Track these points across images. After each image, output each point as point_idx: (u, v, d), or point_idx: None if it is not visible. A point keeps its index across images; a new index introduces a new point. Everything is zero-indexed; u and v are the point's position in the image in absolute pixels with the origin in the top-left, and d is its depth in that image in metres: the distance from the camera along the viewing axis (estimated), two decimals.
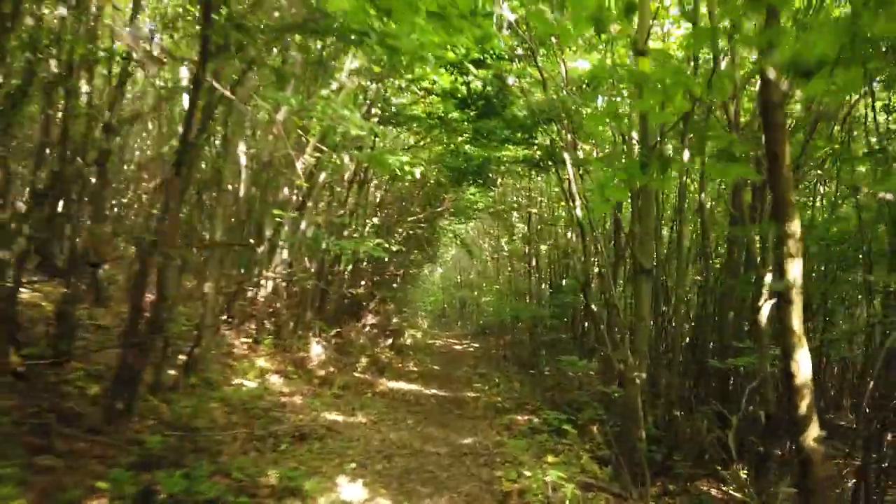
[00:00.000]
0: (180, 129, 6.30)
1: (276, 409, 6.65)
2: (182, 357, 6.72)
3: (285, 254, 9.46)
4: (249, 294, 9.39)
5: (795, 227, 2.31)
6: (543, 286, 14.85)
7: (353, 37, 3.45)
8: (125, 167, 8.15)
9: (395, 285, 19.18)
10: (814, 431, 2.25)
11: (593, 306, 7.62)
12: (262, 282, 9.20)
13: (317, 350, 9.71)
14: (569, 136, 8.12)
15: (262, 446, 5.49)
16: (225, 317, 8.69)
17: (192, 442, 5.05)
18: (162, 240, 4.54)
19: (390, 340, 14.51)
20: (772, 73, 1.76)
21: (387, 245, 7.58)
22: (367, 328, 14.03)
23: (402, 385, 10.47)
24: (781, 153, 2.26)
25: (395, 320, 15.62)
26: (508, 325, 19.90)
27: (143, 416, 5.32)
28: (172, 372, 6.55)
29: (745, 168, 1.62)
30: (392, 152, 6.74)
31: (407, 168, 7.06)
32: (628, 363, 5.01)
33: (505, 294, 19.72)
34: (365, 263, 16.03)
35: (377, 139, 11.15)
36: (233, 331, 8.61)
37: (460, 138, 12.91)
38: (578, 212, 7.47)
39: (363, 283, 16.48)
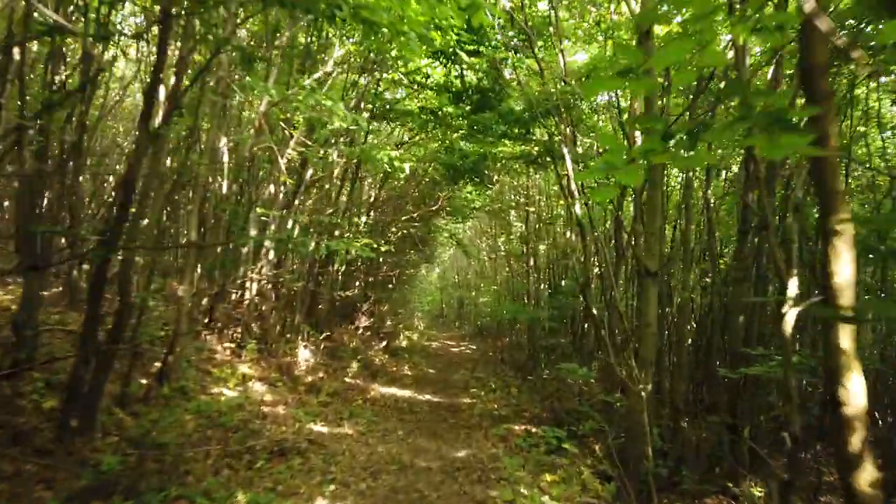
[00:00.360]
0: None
1: (256, 420, 6.23)
2: (157, 365, 6.32)
3: (272, 254, 9.03)
4: (234, 297, 8.96)
5: (845, 220, 1.90)
6: (542, 287, 14.42)
7: (322, 6, 3.02)
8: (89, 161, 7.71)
9: (390, 286, 18.78)
10: (868, 473, 1.83)
11: (594, 309, 7.19)
12: (247, 284, 8.77)
13: (305, 355, 9.29)
14: (568, 129, 7.69)
15: (236, 464, 5.06)
16: (207, 321, 8.26)
17: (157, 461, 4.63)
18: (119, 239, 4.10)
19: (384, 343, 14.10)
20: (823, 22, 1.33)
21: (375, 245, 7.14)
22: (360, 331, 13.62)
23: (394, 391, 10.05)
24: (827, 130, 1.85)
25: (388, 322, 15.18)
26: (506, 326, 19.50)
27: (106, 431, 4.90)
28: (145, 381, 6.14)
29: (801, 138, 1.17)
30: (382, 147, 6.31)
31: (397, 163, 6.64)
32: (633, 375, 4.59)
33: (502, 295, 19.30)
34: (359, 264, 15.66)
35: (369, 135, 10.73)
36: (214, 336, 8.18)
37: (455, 135, 12.52)
38: (578, 210, 7.04)
39: (357, 284, 16.10)
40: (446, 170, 13.39)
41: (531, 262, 13.72)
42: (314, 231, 9.19)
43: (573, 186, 7.22)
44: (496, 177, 15.32)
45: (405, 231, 15.05)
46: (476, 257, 26.21)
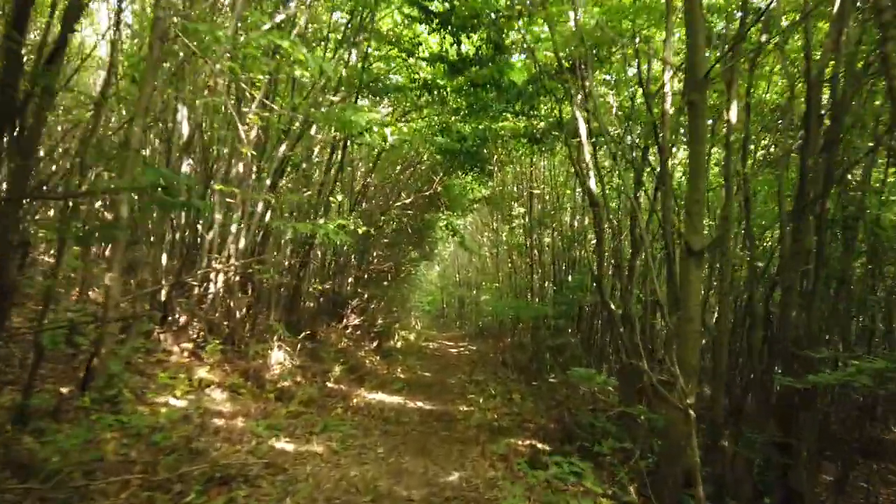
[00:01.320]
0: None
1: (202, 438, 5.11)
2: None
3: (242, 242, 7.91)
4: (198, 290, 7.85)
5: None
6: (547, 283, 13.28)
7: None
8: None
9: (385, 283, 17.66)
10: None
11: (611, 304, 6.07)
12: (212, 275, 7.65)
13: (278, 357, 8.16)
14: (581, 92, 6.56)
15: (160, 497, 3.94)
16: (163, 317, 7.15)
17: (44, 500, 3.51)
18: None
19: (376, 343, 12.97)
20: None
21: (353, 226, 6.01)
22: (350, 330, 12.50)
23: (382, 397, 8.93)
24: None
25: (380, 321, 14.05)
26: (508, 326, 18.36)
27: None
28: (66, 390, 5.03)
29: None
30: (359, 110, 5.21)
31: (377, 129, 5.53)
32: (679, 385, 3.46)
33: (504, 292, 18.17)
34: (352, 258, 14.54)
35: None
36: (170, 334, 7.06)
37: (453, 118, 11.40)
38: (592, 185, 5.92)
39: (350, 280, 14.98)
40: (443, 155, 12.30)
41: (535, 256, 12.56)
42: (288, 214, 8.07)
43: (587, 155, 6.10)
44: (497, 168, 14.21)
45: (400, 221, 13.94)
46: (476, 252, 25.12)
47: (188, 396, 5.96)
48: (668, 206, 5.40)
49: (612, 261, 6.45)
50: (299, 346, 9.29)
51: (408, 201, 12.71)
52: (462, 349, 16.94)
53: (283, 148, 7.69)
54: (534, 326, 11.42)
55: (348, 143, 11.12)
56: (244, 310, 8.37)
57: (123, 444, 4.47)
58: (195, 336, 7.45)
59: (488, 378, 11.14)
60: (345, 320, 12.34)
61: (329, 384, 8.81)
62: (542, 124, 8.80)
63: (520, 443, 6.55)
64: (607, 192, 7.82)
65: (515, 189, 14.77)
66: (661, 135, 5.53)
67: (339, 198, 12.14)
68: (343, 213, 9.94)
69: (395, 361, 12.75)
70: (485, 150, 12.62)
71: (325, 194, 8.98)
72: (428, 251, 20.81)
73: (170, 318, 7.20)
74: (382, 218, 13.07)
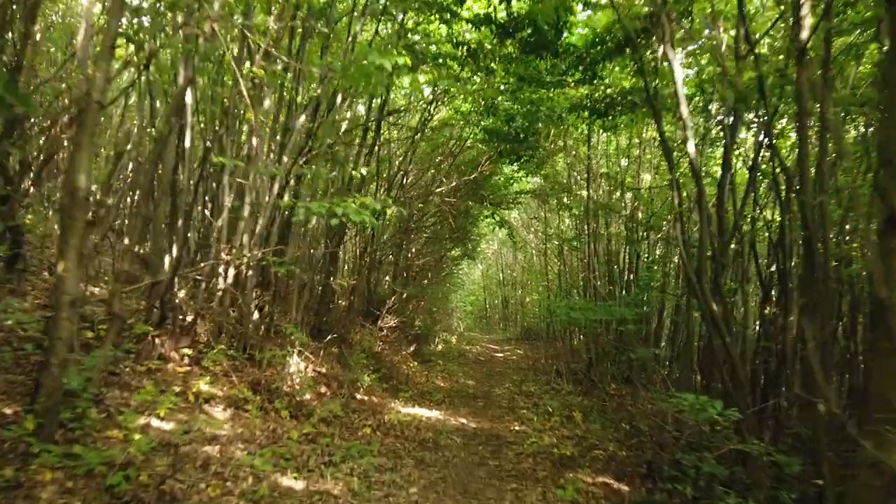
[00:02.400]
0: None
1: (183, 475, 3.94)
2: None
3: (256, 230, 6.77)
4: (206, 286, 6.77)
5: None
6: (607, 281, 11.80)
7: None
8: None
9: (425, 281, 16.46)
10: None
11: (713, 305, 4.65)
12: (220, 269, 6.54)
13: (298, 364, 6.99)
14: (670, 42, 5.15)
15: None
16: (160, 316, 6.06)
17: None
18: None
19: (413, 347, 11.75)
20: None
21: (377, 206, 4.76)
22: (385, 332, 11.31)
23: (419, 411, 7.68)
24: None
25: (418, 323, 12.82)
26: (558, 329, 16.88)
27: None
28: (8, 411, 3.94)
29: None
30: (385, 54, 3.98)
31: (406, 74, 4.29)
32: (884, 436, 2.08)
33: (554, 292, 16.72)
34: (389, 254, 13.38)
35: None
36: (169, 338, 5.96)
37: (500, 96, 10.07)
38: (691, 148, 4.51)
39: (387, 277, 13.83)
40: (488, 139, 10.99)
41: (592, 249, 11.08)
42: (310, 196, 6.92)
43: (683, 111, 4.71)
44: (549, 152, 12.78)
45: (440, 211, 12.67)
46: (522, 249, 23.68)
47: (178, 416, 4.82)
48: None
49: (710, 250, 5.02)
50: (324, 350, 8.14)
51: (450, 186, 11.42)
52: (507, 353, 15.57)
53: (302, 119, 6.51)
54: (597, 333, 9.96)
55: (381, 126, 9.96)
56: (259, 309, 7.25)
57: (65, 489, 3.33)
58: (200, 340, 6.36)
59: (541, 390, 9.76)
60: (380, 322, 11.16)
61: (358, 396, 7.62)
62: (609, 90, 7.38)
63: (589, 480, 5.19)
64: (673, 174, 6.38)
65: (569, 177, 13.30)
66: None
67: (373, 187, 11.01)
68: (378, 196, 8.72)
69: (435, 367, 11.50)
70: (535, 133, 11.28)
71: (357, 177, 7.78)
72: (470, 249, 19.50)
73: (169, 319, 6.10)
74: (421, 206, 11.83)
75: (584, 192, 11.13)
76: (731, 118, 6.60)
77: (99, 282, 7.61)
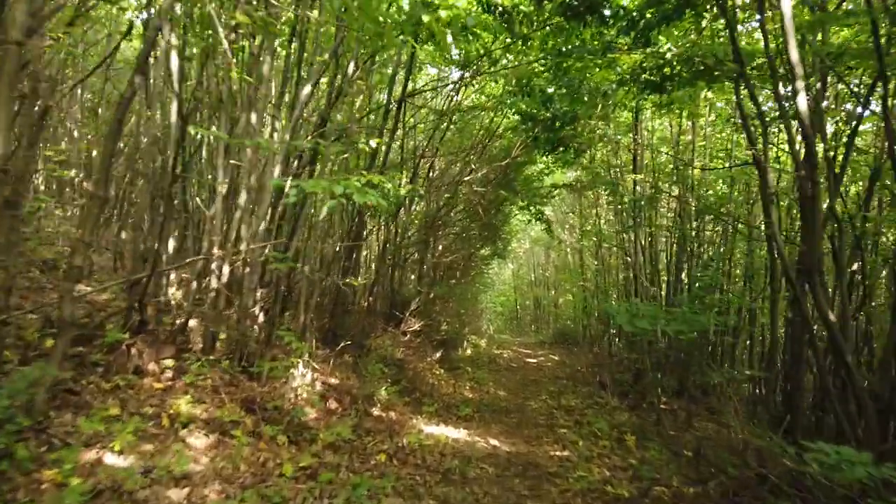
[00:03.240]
0: None
1: None
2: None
3: (255, 221, 5.84)
4: (196, 286, 5.86)
5: None
6: (654, 280, 10.61)
7: None
8: None
9: (452, 281, 15.45)
10: None
11: (830, 316, 3.51)
12: (214, 266, 5.62)
13: (304, 376, 6.04)
14: None
15: None
16: (139, 321, 5.16)
17: None
18: None
19: (440, 353, 10.74)
20: None
21: (387, 184, 3.74)
22: (408, 337, 10.33)
23: (443, 430, 6.66)
24: None
25: (445, 326, 11.81)
26: (596, 333, 15.68)
27: None
28: None
29: None
30: None
31: (427, 18, 3.28)
32: None
33: (591, 293, 15.53)
34: (413, 252, 12.41)
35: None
36: (149, 346, 5.06)
37: (536, 74, 9.00)
38: (802, 104, 3.40)
39: (413, 276, 12.87)
40: (522, 125, 9.90)
41: (642, 244, 9.89)
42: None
43: (793, 54, 3.59)
44: (592, 139, 11.62)
45: (469, 203, 11.65)
46: (556, 248, 22.52)
47: (143, 447, 3.89)
48: None
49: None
50: (337, 359, 7.19)
51: (480, 174, 10.38)
52: (541, 359, 14.44)
53: (307, 89, 5.54)
54: (648, 341, 8.79)
55: (404, 108, 8.97)
56: (264, 312, 6.33)
57: None
58: (188, 349, 5.45)
59: (582, 403, 8.64)
60: (403, 325, 10.18)
61: (374, 412, 6.64)
62: (668, 55, 6.24)
63: None
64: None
65: (609, 169, 12.11)
66: None
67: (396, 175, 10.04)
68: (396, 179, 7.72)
69: (463, 376, 10.47)
70: (575, 118, 10.14)
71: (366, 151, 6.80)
72: (501, 248, 18.42)
73: (150, 325, 5.20)
74: (448, 198, 10.81)
75: (630, 184, 9.95)
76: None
77: (91, 280, 6.80)
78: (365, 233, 9.66)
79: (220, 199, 5.63)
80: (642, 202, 8.84)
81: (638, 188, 9.78)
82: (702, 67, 6.04)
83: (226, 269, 5.70)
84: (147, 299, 5.15)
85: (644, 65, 6.58)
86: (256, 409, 5.09)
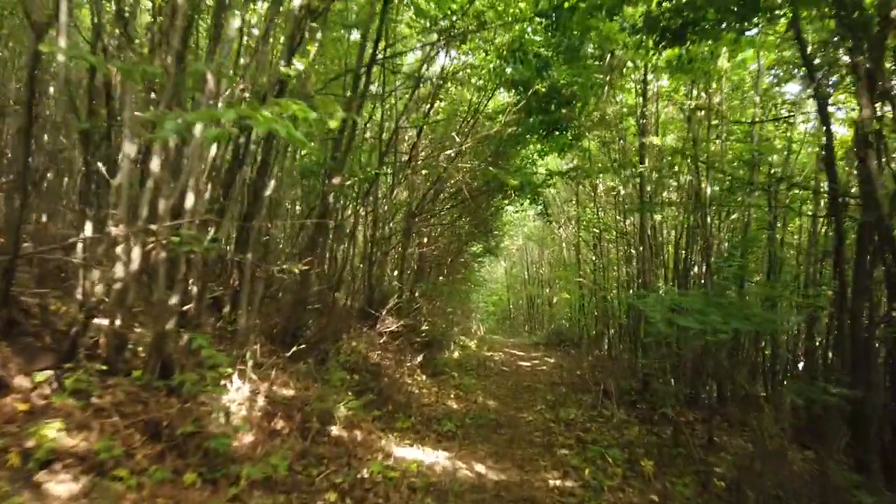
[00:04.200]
0: None
1: None
2: None
3: (183, 190, 4.61)
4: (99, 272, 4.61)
5: None
6: (660, 271, 9.46)
7: None
8: None
9: (441, 278, 14.25)
10: None
11: None
12: (120, 249, 4.37)
13: (240, 389, 4.81)
14: None
15: None
16: (7, 321, 3.91)
17: None
18: None
19: (421, 357, 9.50)
20: None
21: (311, 115, 2.52)
22: (384, 338, 9.09)
23: (419, 453, 5.45)
24: None
25: (425, 326, 10.60)
26: (594, 333, 14.52)
27: None
28: None
29: None
30: None
31: None
32: None
33: (590, 290, 14.37)
34: (393, 240, 11.19)
35: None
36: (18, 355, 3.82)
37: (534, 31, 7.87)
38: None
39: (394, 272, 11.65)
40: (515, 88, 8.72)
41: (648, 232, 8.69)
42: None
43: None
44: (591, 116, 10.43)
45: (455, 189, 10.49)
46: (549, 244, 21.44)
47: None
48: None
49: None
50: (290, 366, 5.97)
51: (465, 146, 9.18)
52: (536, 363, 13.24)
53: (237, 21, 4.31)
54: (658, 343, 7.62)
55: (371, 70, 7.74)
56: (187, 309, 5.08)
57: None
58: (80, 356, 4.20)
59: (584, 416, 7.45)
60: (378, 325, 8.95)
61: (332, 431, 5.40)
62: None
63: None
64: None
65: (609, 153, 10.95)
66: None
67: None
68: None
69: (448, 382, 9.26)
70: (574, 97, 8.98)
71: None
72: (493, 245, 17.25)
73: (20, 324, 3.96)
74: (431, 182, 9.61)
75: (635, 158, 8.75)
76: None
77: None
78: (335, 221, 8.44)
79: (128, 163, 4.38)
80: (662, 170, 7.62)
81: (646, 163, 8.55)
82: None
83: (136, 255, 4.45)
84: (16, 290, 3.91)
85: (663, 3, 5.37)
86: (162, 436, 3.85)
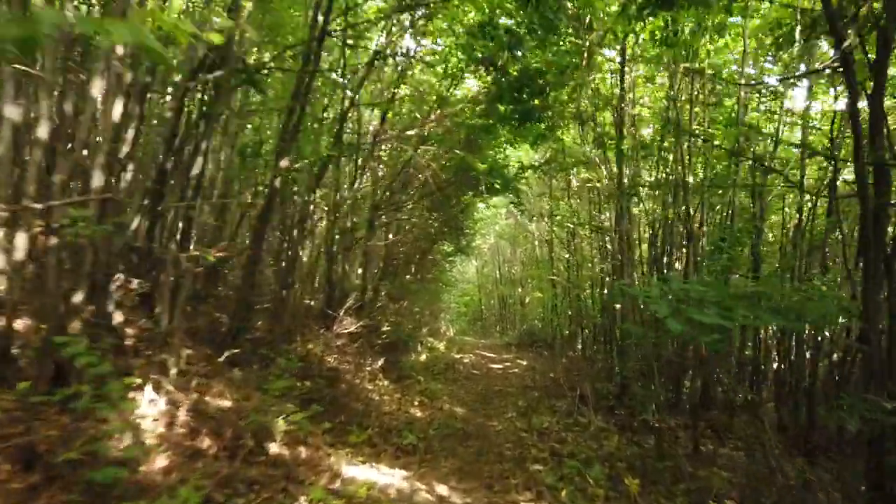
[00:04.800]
0: None
1: None
2: None
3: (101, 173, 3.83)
4: None
5: None
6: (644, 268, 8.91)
7: None
8: None
9: (408, 276, 13.56)
10: None
11: None
12: None
13: (155, 404, 4.04)
14: None
15: None
16: None
17: None
18: None
19: (383, 360, 8.77)
20: None
21: (188, 29, 1.84)
22: (343, 341, 8.35)
23: (373, 473, 4.75)
24: None
25: (386, 327, 9.89)
26: (567, 333, 13.99)
27: None
28: None
29: None
30: None
31: None
32: None
33: (564, 289, 13.83)
34: (360, 240, 10.44)
35: None
36: None
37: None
38: None
39: (360, 269, 10.90)
40: (485, 72, 8.10)
41: (627, 224, 8.11)
42: None
43: None
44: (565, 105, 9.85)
45: (422, 181, 9.83)
46: (522, 243, 20.94)
47: None
48: None
49: None
50: (225, 373, 5.22)
51: (432, 127, 8.51)
52: (507, 364, 12.62)
53: None
54: (645, 344, 7.05)
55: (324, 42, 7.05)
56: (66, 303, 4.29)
57: None
58: None
59: (558, 424, 6.82)
60: (335, 326, 8.20)
61: (271, 448, 4.66)
62: None
63: None
64: None
65: (588, 139, 10.39)
66: None
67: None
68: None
69: (413, 388, 8.57)
70: (546, 87, 8.40)
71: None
72: (464, 244, 16.61)
73: None
74: (389, 161, 8.91)
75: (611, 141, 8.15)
76: None
77: None
78: (289, 210, 7.69)
79: (10, 128, 3.59)
80: (655, 142, 6.98)
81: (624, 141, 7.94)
82: None
83: (21, 241, 3.66)
84: None
85: None
86: (38, 465, 3.08)
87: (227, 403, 4.96)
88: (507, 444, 6.09)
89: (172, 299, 4.62)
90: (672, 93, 7.55)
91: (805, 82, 7.81)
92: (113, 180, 4.42)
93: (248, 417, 4.76)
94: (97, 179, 4.01)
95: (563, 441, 6.09)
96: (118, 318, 4.97)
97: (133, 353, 4.98)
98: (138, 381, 3.92)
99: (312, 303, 9.15)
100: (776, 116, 7.89)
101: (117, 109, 3.91)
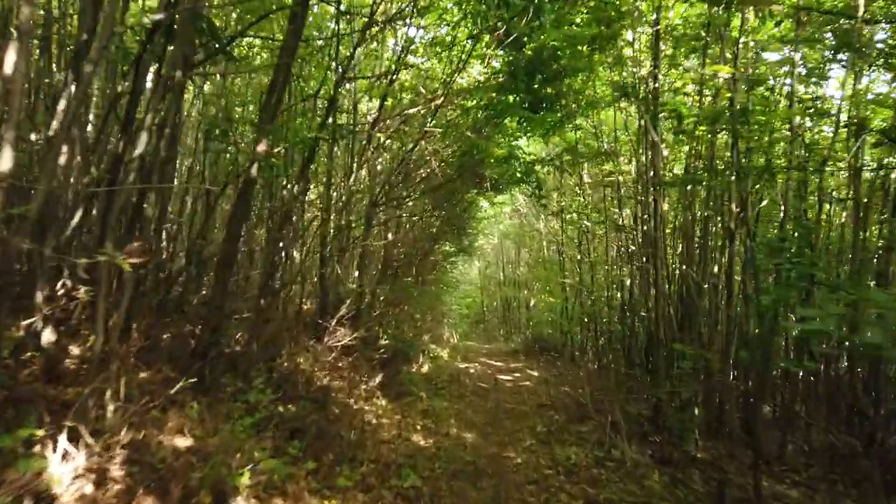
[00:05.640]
0: None
1: None
2: None
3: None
4: None
5: None
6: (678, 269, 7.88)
7: None
8: None
9: (408, 279, 12.54)
10: None
11: None
12: None
13: (71, 460, 3.02)
14: None
15: None
16: None
17: None
18: None
19: (380, 377, 7.74)
20: None
21: None
22: (336, 354, 7.33)
23: None
24: None
25: (384, 340, 8.88)
26: (578, 340, 12.99)
27: None
28: None
29: None
30: None
31: None
32: None
33: (576, 292, 12.81)
34: (357, 240, 9.42)
35: None
36: None
37: None
38: None
39: (357, 272, 9.89)
40: (497, 47, 7.10)
41: (654, 225, 7.06)
42: None
43: None
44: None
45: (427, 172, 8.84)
46: (529, 242, 19.96)
47: None
48: None
49: None
50: (182, 401, 4.22)
51: (438, 101, 7.49)
52: (518, 375, 11.59)
53: None
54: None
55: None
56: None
57: None
58: None
59: (588, 457, 5.79)
60: (327, 338, 7.18)
61: (242, 491, 3.64)
62: None
63: None
64: None
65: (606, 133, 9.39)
66: None
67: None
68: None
69: (414, 407, 7.56)
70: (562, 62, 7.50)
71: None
72: (467, 244, 15.63)
73: None
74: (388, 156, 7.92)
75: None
76: None
77: None
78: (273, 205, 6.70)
79: None
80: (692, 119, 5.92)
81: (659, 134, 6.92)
82: None
83: None
84: None
85: None
86: None
87: (184, 443, 3.96)
88: (529, 485, 5.07)
89: (108, 315, 3.59)
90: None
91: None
92: (30, 161, 3.40)
93: (208, 463, 3.75)
94: (5, 161, 3.01)
95: (596, 481, 5.07)
96: (48, 336, 3.97)
97: (71, 382, 3.99)
98: (40, 432, 2.90)
99: (302, 310, 8.15)
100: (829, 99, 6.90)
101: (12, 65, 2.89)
